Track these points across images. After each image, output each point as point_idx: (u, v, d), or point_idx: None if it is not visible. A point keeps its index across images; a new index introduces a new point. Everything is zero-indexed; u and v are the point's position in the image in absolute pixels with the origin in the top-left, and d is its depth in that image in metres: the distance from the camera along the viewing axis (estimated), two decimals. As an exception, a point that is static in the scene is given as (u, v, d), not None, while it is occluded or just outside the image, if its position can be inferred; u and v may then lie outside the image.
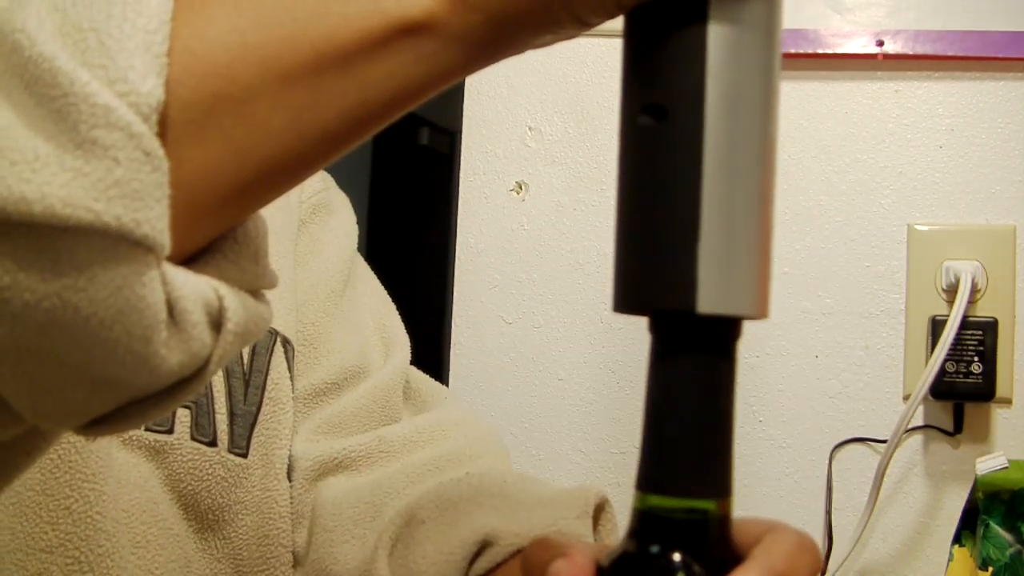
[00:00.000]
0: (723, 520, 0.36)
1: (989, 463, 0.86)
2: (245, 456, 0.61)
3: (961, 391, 0.97)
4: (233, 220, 0.33)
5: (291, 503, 0.65)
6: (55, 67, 0.28)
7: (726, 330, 0.35)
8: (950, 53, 1.00)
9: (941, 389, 0.97)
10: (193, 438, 0.59)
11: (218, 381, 0.61)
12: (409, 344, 0.76)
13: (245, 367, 0.62)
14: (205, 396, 0.60)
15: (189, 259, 0.32)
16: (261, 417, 0.63)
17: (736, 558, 0.36)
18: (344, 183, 0.79)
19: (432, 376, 0.77)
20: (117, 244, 0.28)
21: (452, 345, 1.08)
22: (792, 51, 1.02)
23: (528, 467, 1.05)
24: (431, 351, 0.96)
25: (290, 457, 0.66)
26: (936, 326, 0.97)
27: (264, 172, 0.32)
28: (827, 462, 1.02)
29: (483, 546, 0.59)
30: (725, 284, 0.33)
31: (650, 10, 0.34)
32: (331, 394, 0.68)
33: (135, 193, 0.28)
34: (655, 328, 0.35)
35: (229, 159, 0.31)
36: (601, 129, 1.07)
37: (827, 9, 1.02)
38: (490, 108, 1.09)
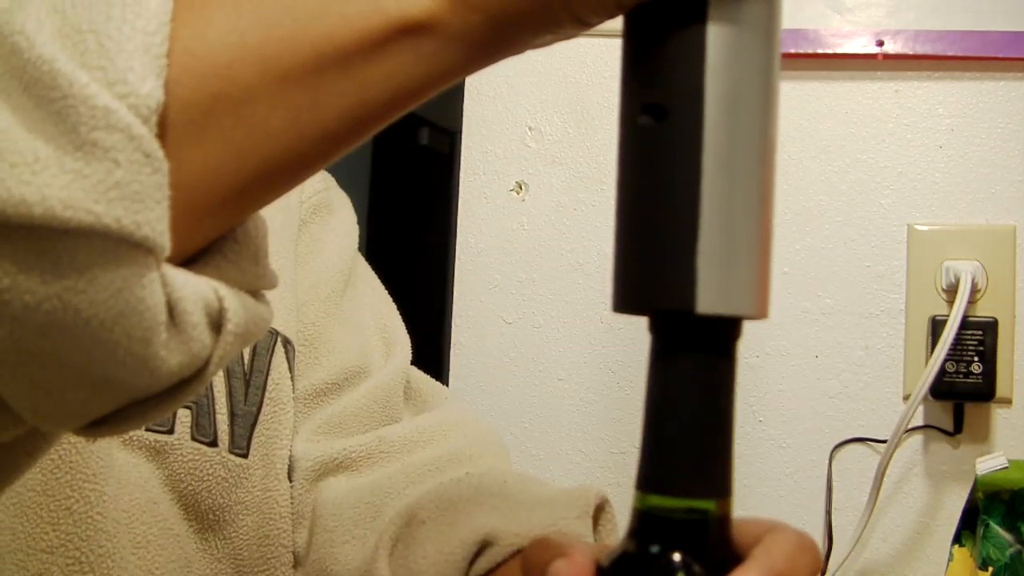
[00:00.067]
0: (723, 520, 0.36)
1: (989, 463, 0.86)
2: (246, 456, 0.61)
3: (961, 391, 0.97)
4: (233, 221, 0.33)
5: (292, 503, 0.65)
6: (54, 69, 0.28)
7: (726, 330, 0.35)
8: (950, 53, 1.00)
9: (941, 389, 0.97)
10: (194, 438, 0.59)
11: (219, 381, 0.61)
12: (410, 344, 0.76)
13: (246, 367, 0.62)
14: (206, 396, 0.60)
15: (189, 260, 0.32)
16: (262, 417, 0.63)
17: (736, 558, 0.36)
18: (344, 183, 0.79)
19: (432, 376, 0.77)
20: (117, 246, 0.28)
21: (452, 345, 1.08)
22: (792, 51, 1.02)
23: (528, 467, 1.05)
24: (431, 351, 0.96)
25: (291, 457, 0.66)
26: (936, 326, 0.97)
27: (264, 173, 0.32)
28: (827, 462, 1.02)
29: (483, 546, 0.60)
30: (725, 284, 0.33)
31: (650, 10, 0.34)
32: (332, 394, 0.68)
33: (135, 195, 0.28)
34: (655, 328, 0.35)
35: (229, 160, 0.31)
36: (601, 129, 1.07)
37: (827, 9, 1.02)
38: (490, 108, 1.09)
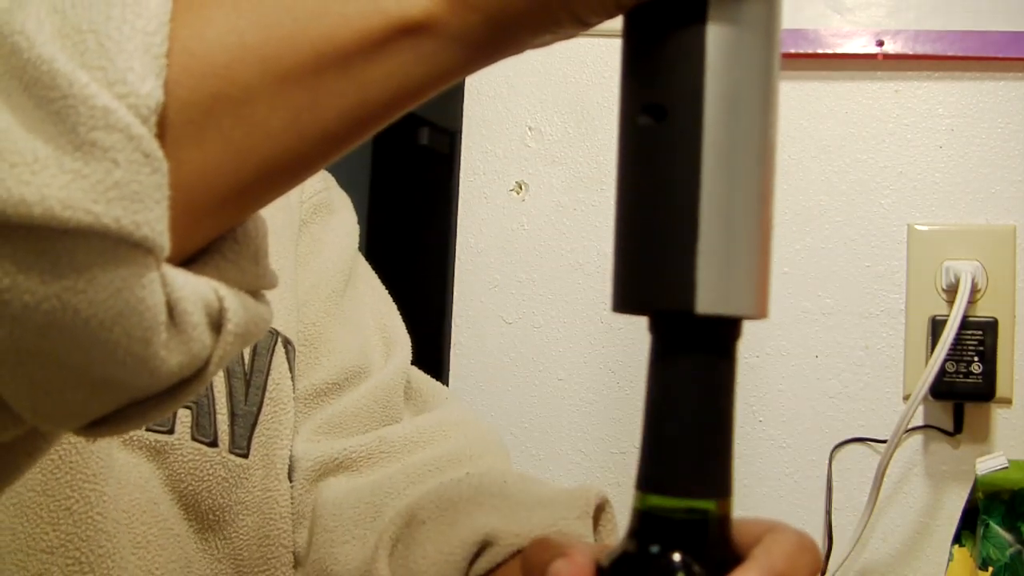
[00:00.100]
0: (723, 520, 0.36)
1: (989, 463, 0.86)
2: (246, 456, 0.61)
3: (961, 391, 0.97)
4: (233, 221, 0.33)
5: (292, 503, 0.65)
6: (54, 69, 0.28)
7: (726, 330, 0.35)
8: (950, 53, 1.00)
9: (941, 389, 0.97)
10: (194, 438, 0.59)
11: (219, 381, 0.61)
12: (410, 344, 0.76)
13: (246, 367, 0.62)
14: (206, 396, 0.60)
15: (189, 260, 0.32)
16: (262, 417, 0.63)
17: (736, 558, 0.36)
18: (344, 183, 0.79)
19: (432, 376, 0.77)
20: (117, 246, 0.28)
21: (452, 345, 1.08)
22: (792, 51, 1.02)
23: (528, 467, 1.05)
24: (431, 351, 0.96)
25: (291, 457, 0.66)
26: (936, 326, 0.97)
27: (263, 172, 0.32)
28: (827, 462, 1.01)
29: (483, 546, 0.60)
30: (724, 284, 0.33)
31: (649, 10, 0.34)
32: (332, 394, 0.68)
33: (134, 195, 0.28)
34: (655, 328, 0.35)
35: (228, 160, 0.31)
36: (601, 129, 1.07)
37: (827, 9, 1.02)
38: (490, 108, 1.09)
